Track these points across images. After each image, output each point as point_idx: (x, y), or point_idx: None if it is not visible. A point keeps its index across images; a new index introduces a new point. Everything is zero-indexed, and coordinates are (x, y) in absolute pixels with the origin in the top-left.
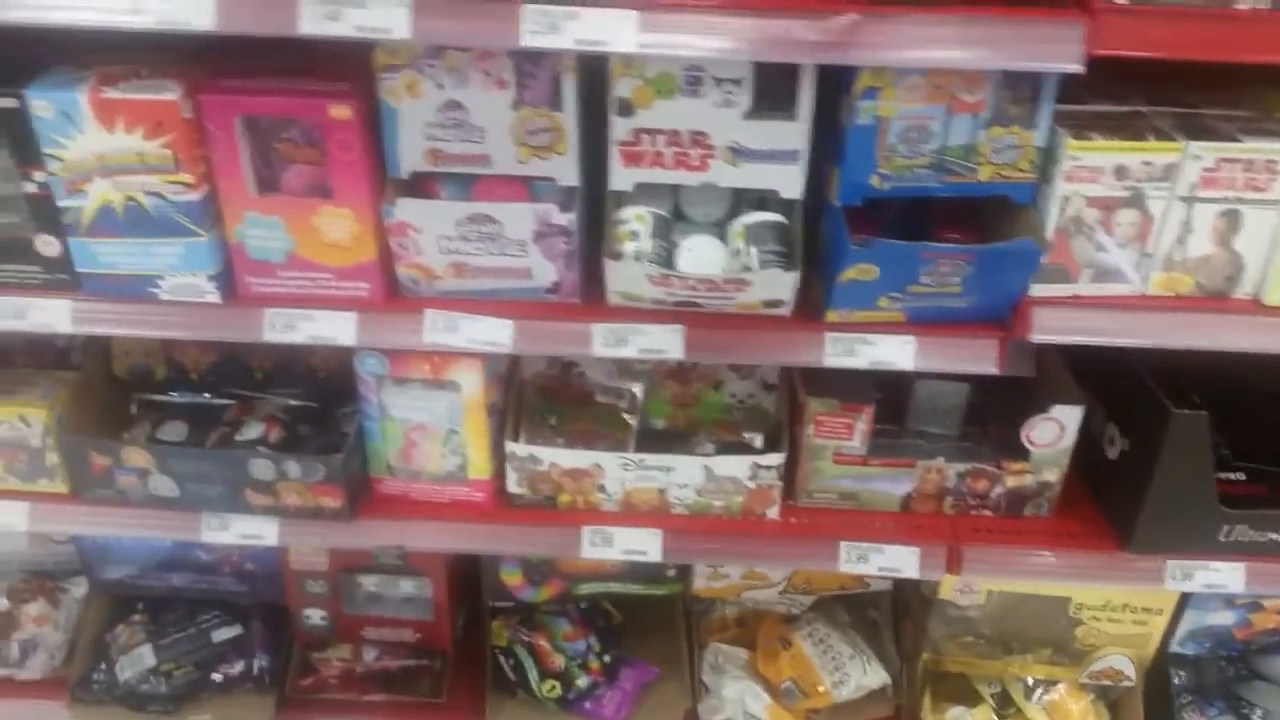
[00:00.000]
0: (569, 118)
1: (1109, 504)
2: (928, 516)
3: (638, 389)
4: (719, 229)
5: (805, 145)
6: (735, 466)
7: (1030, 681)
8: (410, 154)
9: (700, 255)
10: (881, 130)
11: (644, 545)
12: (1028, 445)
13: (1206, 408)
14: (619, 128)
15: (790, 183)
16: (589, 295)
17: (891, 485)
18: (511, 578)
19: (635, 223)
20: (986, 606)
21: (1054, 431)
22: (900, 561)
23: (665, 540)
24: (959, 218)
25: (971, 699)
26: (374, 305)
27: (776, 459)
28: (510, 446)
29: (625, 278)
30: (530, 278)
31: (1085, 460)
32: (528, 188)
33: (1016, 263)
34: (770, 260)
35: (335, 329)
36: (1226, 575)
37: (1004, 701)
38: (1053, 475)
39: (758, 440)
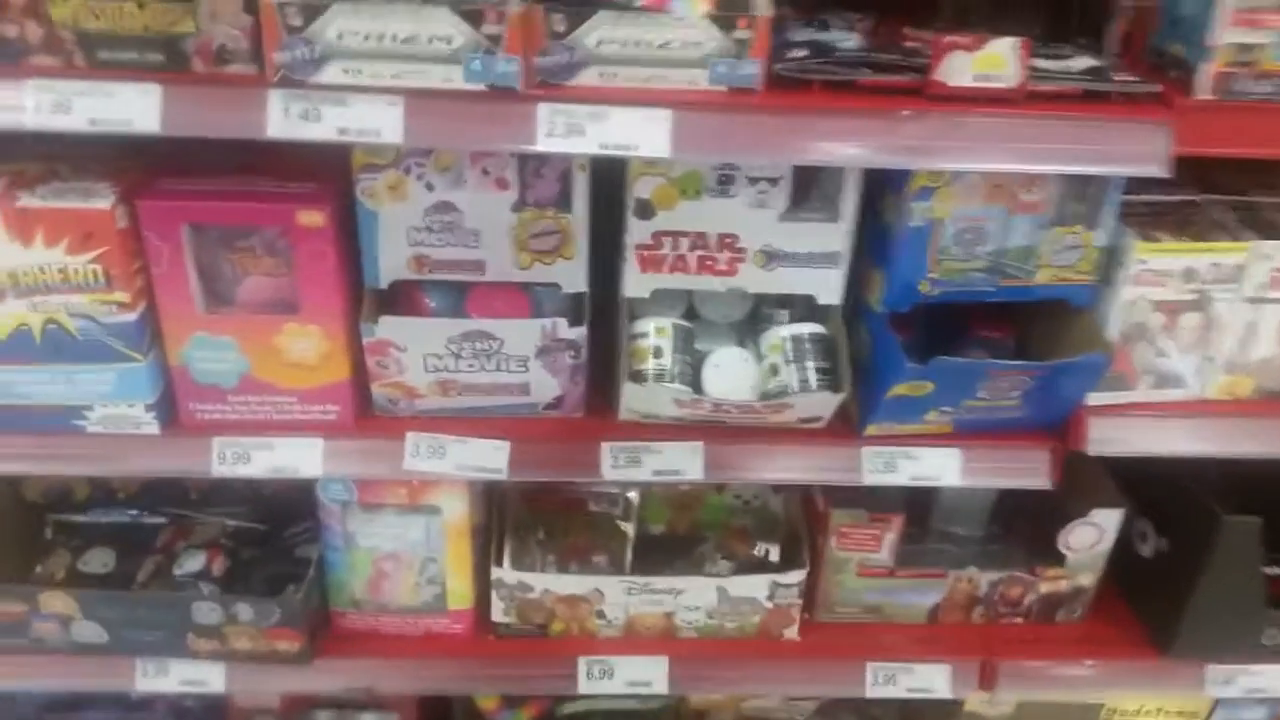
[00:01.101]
0: (579, 220)
1: (1144, 606)
2: (956, 627)
3: (633, 494)
4: (739, 331)
5: (847, 248)
6: (753, 586)
7: None
8: (392, 261)
9: (730, 372)
10: (935, 232)
11: (649, 675)
12: (1065, 551)
13: (1241, 498)
14: (637, 231)
15: (829, 288)
16: (591, 408)
17: (919, 596)
18: (487, 702)
19: (656, 336)
20: (1014, 716)
21: (1092, 536)
22: (930, 681)
23: (672, 669)
24: (995, 313)
25: None
26: (344, 429)
27: (797, 576)
28: (497, 573)
29: (647, 400)
30: (528, 394)
31: (1114, 556)
32: (528, 296)
33: (1082, 376)
34: (816, 382)
35: (298, 458)
36: (1269, 679)
37: None
38: (1088, 580)
39: (773, 553)
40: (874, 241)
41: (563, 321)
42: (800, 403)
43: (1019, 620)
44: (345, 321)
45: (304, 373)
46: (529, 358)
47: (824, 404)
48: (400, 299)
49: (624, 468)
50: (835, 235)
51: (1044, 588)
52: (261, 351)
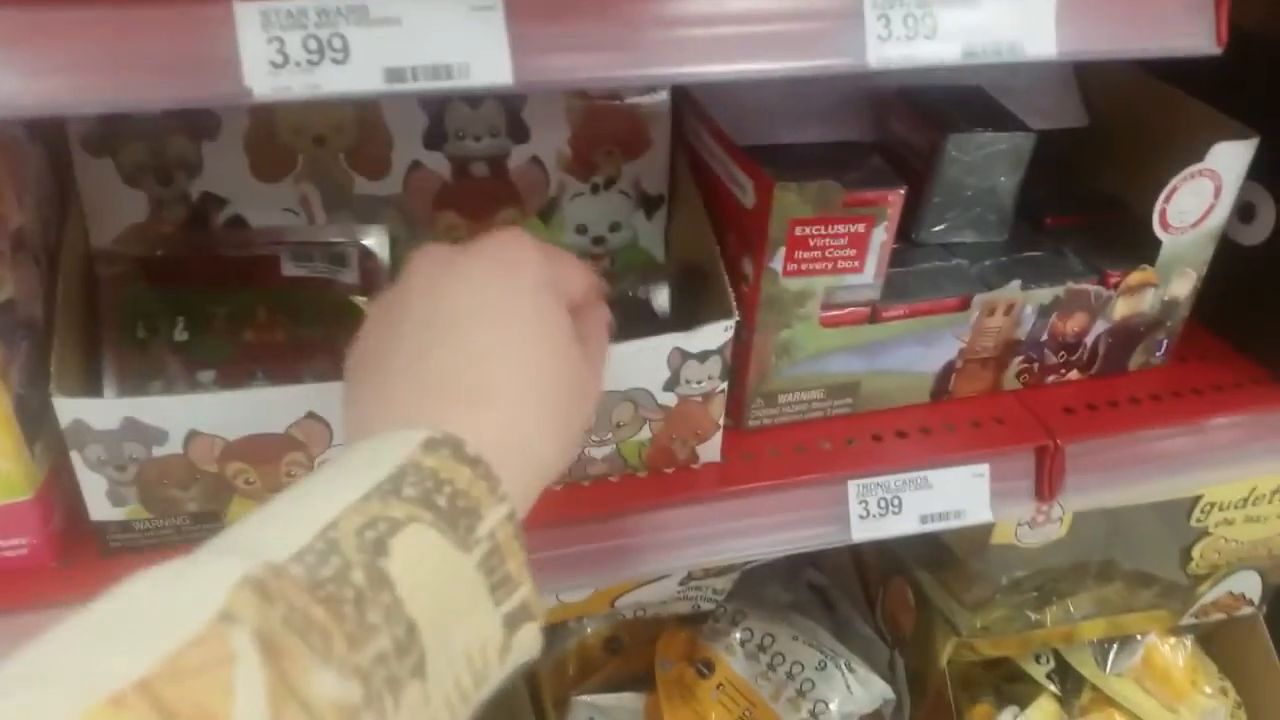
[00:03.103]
0: None
1: (1246, 326)
2: (981, 401)
3: (375, 238)
4: None
5: None
6: (632, 367)
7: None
8: None
9: None
10: None
11: None
12: (1161, 230)
13: None
14: None
15: None
16: None
17: (923, 353)
18: None
19: None
20: (1062, 541)
21: (1205, 196)
22: (956, 497)
23: None
24: None
25: (1023, 690)
26: None
27: (718, 336)
28: (71, 409)
29: None
30: None
31: None
32: None
33: None
34: None
35: None
36: None
37: (1068, 678)
38: (1185, 285)
39: (658, 297)
40: None
41: None
42: None
43: (1074, 376)
44: None
45: None
46: None
47: None
48: None
49: None
50: None
51: (1120, 308)
52: None
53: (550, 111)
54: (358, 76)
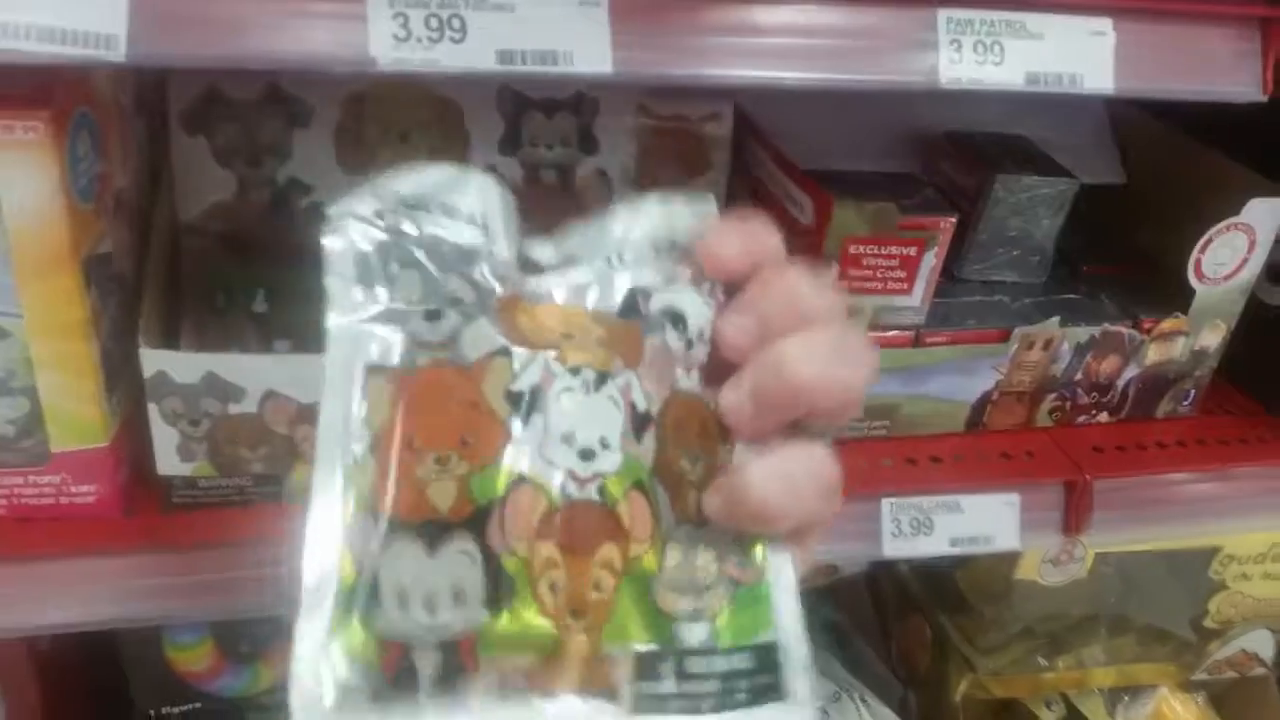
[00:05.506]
0: None
1: (1273, 384)
2: (1013, 435)
3: None
4: None
5: None
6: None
7: (1106, 691)
8: None
9: None
10: None
11: None
12: (1195, 280)
13: None
14: None
15: None
16: None
17: (961, 382)
18: (188, 657)
19: None
20: (1081, 587)
21: (1239, 250)
22: (989, 522)
23: None
24: None
25: None
26: None
27: None
28: (155, 361)
29: None
30: None
31: None
32: None
33: None
34: None
35: None
36: None
37: None
38: (1215, 337)
39: None
40: None
41: None
42: None
43: (1104, 418)
44: None
45: None
46: None
47: None
48: None
49: None
50: None
51: (1152, 354)
52: None
53: (619, 127)
54: (473, 55)
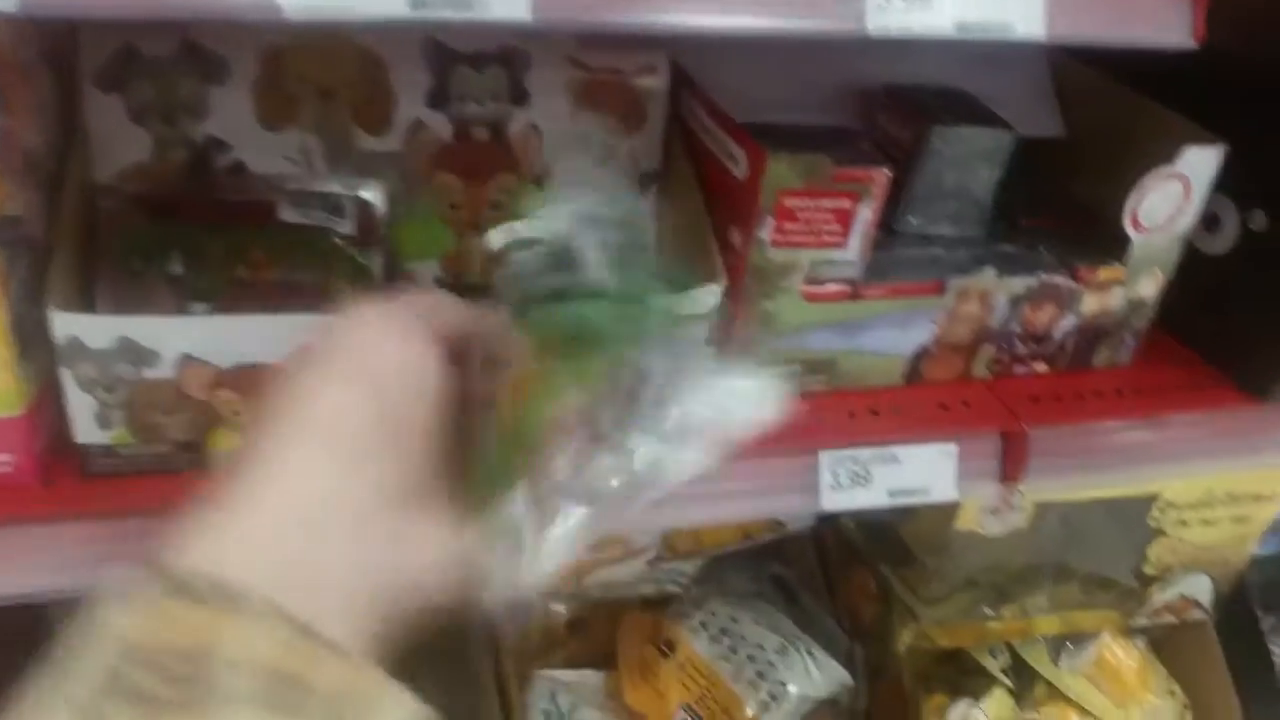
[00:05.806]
0: None
1: (1217, 335)
2: (951, 386)
3: (373, 192)
4: None
5: None
6: None
7: (1050, 639)
8: None
9: None
10: None
11: None
12: (1131, 229)
13: None
14: None
15: None
16: None
17: (899, 334)
18: None
19: None
20: (1022, 537)
21: (1175, 198)
22: (927, 473)
23: None
24: None
25: (975, 682)
26: None
27: (707, 298)
28: (68, 324)
29: None
30: None
31: None
32: None
33: None
34: None
35: None
36: None
37: (1023, 674)
38: (1150, 288)
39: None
40: None
41: None
42: None
43: (1041, 368)
44: None
45: None
46: None
47: None
48: None
49: None
50: None
51: (1089, 304)
52: None
53: (552, 80)
54: (386, 2)
